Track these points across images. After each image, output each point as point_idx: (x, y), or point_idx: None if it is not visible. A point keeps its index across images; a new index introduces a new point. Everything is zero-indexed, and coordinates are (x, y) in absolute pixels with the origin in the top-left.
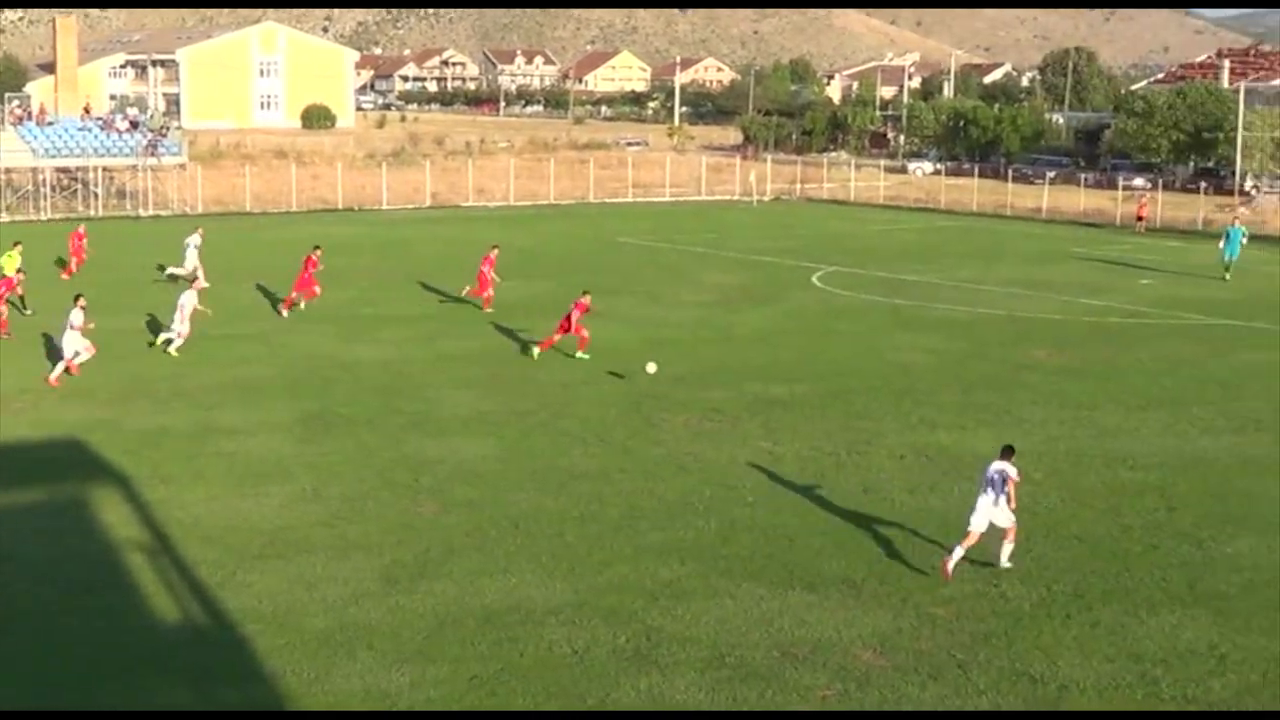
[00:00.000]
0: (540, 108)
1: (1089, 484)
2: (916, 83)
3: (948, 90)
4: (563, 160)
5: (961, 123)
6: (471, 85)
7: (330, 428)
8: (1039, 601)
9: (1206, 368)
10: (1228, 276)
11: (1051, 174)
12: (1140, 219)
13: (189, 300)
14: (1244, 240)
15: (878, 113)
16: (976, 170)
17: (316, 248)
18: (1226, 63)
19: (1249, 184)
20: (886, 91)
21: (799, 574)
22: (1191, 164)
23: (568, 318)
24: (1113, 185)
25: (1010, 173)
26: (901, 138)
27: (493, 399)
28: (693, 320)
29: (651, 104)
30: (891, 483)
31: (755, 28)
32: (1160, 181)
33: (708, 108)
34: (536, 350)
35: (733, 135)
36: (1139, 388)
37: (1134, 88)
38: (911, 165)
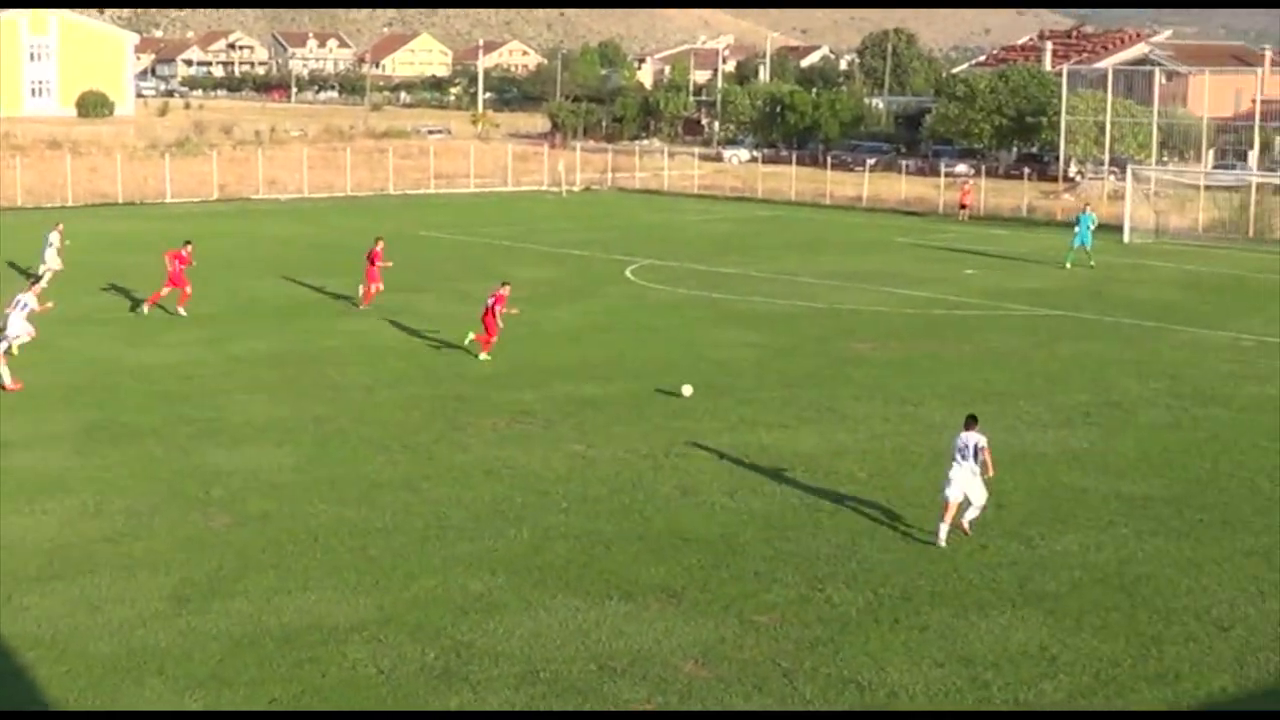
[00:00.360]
0: (335, 94)
1: (915, 482)
2: (731, 66)
3: (764, 74)
4: (360, 150)
5: (778, 108)
6: (261, 70)
7: (114, 438)
8: (866, 606)
9: (1032, 360)
10: (1068, 265)
11: (872, 161)
12: (963, 207)
13: (27, 301)
14: (1092, 227)
15: (691, 98)
16: (794, 157)
17: (187, 243)
18: (1049, 45)
19: (1073, 170)
20: (700, 76)
21: (616, 583)
22: (1015, 149)
23: (489, 311)
24: (935, 172)
25: (829, 160)
26: (716, 124)
27: (288, 404)
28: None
29: (454, 89)
30: (712, 485)
31: (561, 9)
32: (983, 168)
33: (513, 93)
34: (478, 348)
35: (540, 122)
36: (964, 381)
37: (955, 71)
38: (727, 153)
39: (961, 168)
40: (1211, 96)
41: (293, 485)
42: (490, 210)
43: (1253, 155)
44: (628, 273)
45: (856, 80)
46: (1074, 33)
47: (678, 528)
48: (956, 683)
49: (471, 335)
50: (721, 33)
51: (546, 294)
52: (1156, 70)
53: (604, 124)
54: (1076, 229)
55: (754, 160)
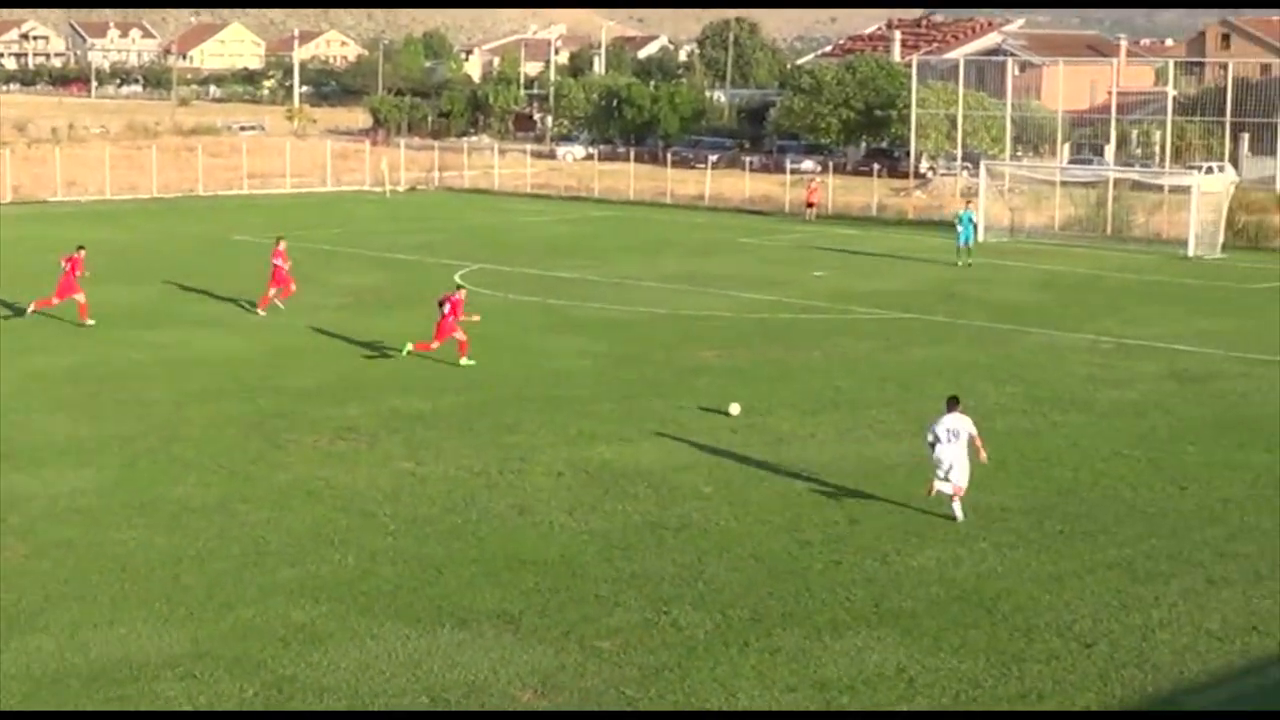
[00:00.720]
0: (139, 88)
1: (764, 497)
2: (564, 58)
3: (599, 66)
4: (166, 148)
5: (615, 102)
6: (57, 62)
7: None
8: (714, 629)
9: (884, 366)
10: (966, 262)
11: (714, 157)
12: (810, 205)
13: None
14: (974, 223)
15: (522, 92)
16: (632, 154)
17: (80, 247)
18: (898, 34)
19: (925, 166)
20: (532, 68)
21: (449, 609)
22: (864, 145)
23: (444, 318)
24: (780, 169)
25: (669, 157)
26: (549, 119)
27: (92, 423)
28: (321, 327)
29: (267, 83)
30: (549, 503)
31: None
32: (831, 164)
33: (332, 87)
34: (409, 347)
35: (361, 118)
36: (814, 389)
37: (800, 62)
38: (561, 150)
39: (808, 164)
40: (1066, 88)
41: (97, 510)
42: (308, 212)
43: (1109, 149)
44: (457, 278)
45: (697, 72)
46: (923, 22)
47: (514, 549)
48: (810, 708)
49: (410, 345)
50: (553, 22)
51: (371, 302)
52: (1009, 61)
53: (429, 119)
54: (959, 227)
55: (590, 158)
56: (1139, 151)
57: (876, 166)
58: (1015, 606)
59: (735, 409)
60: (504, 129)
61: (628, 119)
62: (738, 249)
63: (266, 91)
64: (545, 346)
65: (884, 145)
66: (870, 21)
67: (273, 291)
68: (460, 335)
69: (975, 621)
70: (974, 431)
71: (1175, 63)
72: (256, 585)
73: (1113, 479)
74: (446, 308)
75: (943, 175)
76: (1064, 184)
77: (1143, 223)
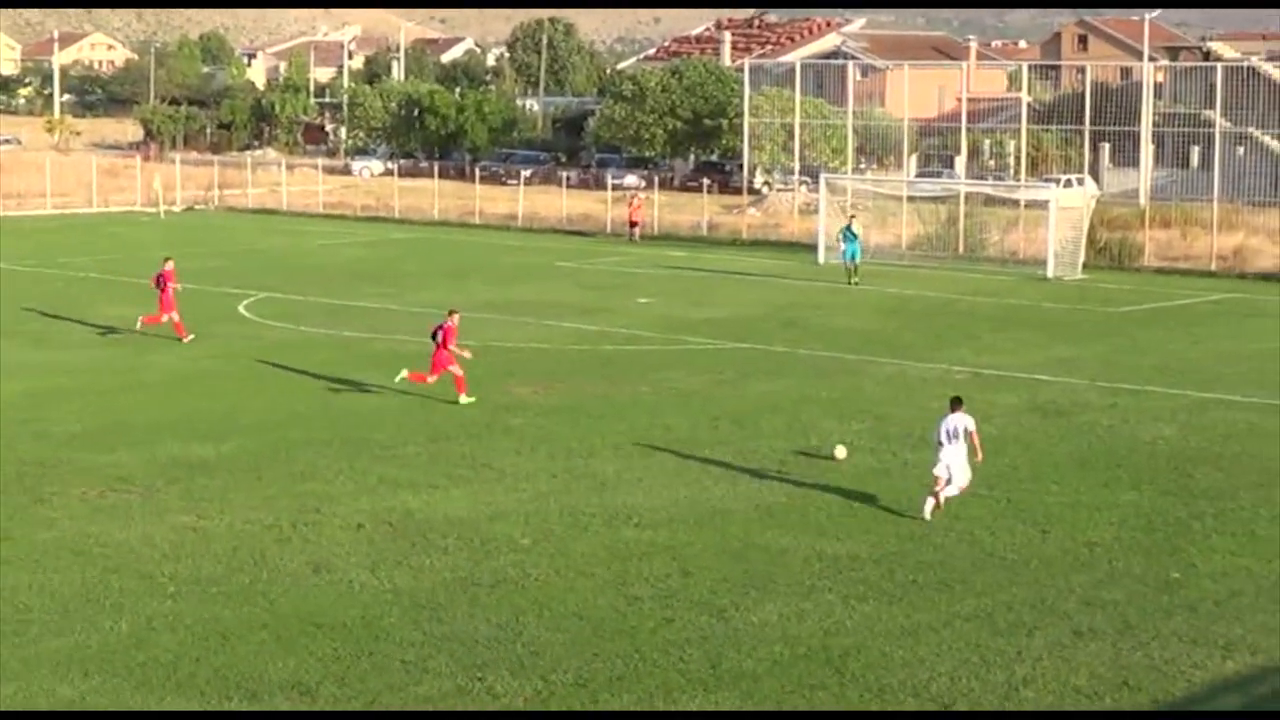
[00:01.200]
0: None
1: (588, 548)
2: (359, 62)
3: (397, 71)
4: None
5: (416, 111)
6: None
7: None
8: (534, 695)
9: (718, 401)
10: (855, 281)
11: (527, 172)
12: (634, 225)
13: None
14: (858, 236)
15: (312, 100)
16: (436, 169)
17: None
18: (728, 36)
19: (759, 180)
20: (322, 73)
21: (237, 680)
22: (692, 157)
23: (438, 349)
24: (601, 184)
25: (478, 172)
26: (343, 131)
27: None
28: (90, 364)
29: (24, 91)
30: (349, 559)
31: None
32: (656, 179)
33: (97, 95)
34: (403, 375)
35: (130, 130)
36: (642, 428)
37: (621, 66)
38: (356, 165)
39: (631, 179)
40: (912, 94)
41: None
42: (72, 236)
43: (960, 161)
44: (242, 308)
45: (507, 78)
46: (755, 22)
47: (309, 611)
48: None
49: (404, 373)
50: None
51: (143, 336)
52: (850, 65)
53: (208, 131)
54: (842, 245)
55: (389, 173)
56: (992, 163)
57: (706, 181)
58: (866, 665)
59: (841, 452)
60: (292, 142)
61: (431, 130)
62: (555, 273)
63: (23, 101)
64: (342, 384)
65: (714, 158)
66: (697, 22)
67: (165, 317)
68: (456, 369)
69: (822, 682)
70: (972, 428)
71: (1029, 66)
72: (18, 658)
73: (969, 522)
74: (439, 337)
75: (779, 191)
76: (911, 199)
77: (997, 241)
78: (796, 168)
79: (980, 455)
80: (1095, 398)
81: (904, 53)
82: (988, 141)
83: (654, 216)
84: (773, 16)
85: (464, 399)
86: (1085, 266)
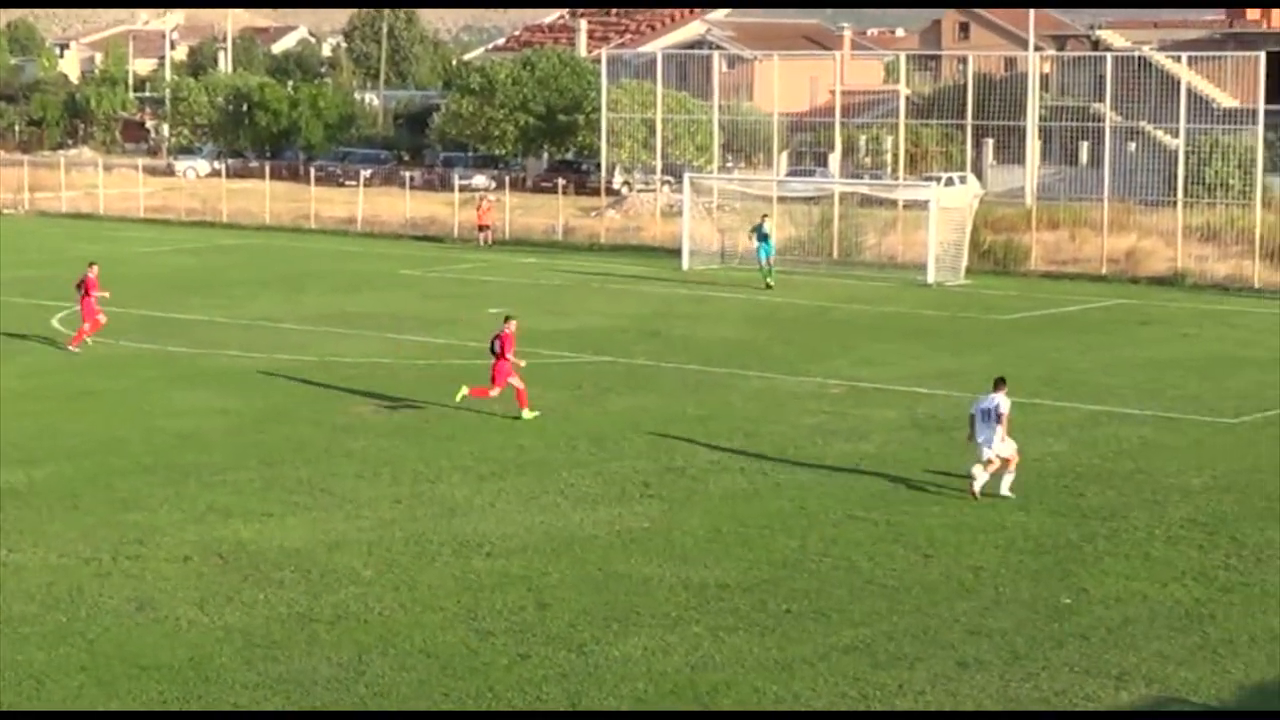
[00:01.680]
0: None
1: (436, 579)
2: (182, 53)
3: (224, 63)
4: None
5: (245, 107)
6: None
7: None
8: None
9: (577, 420)
10: (771, 283)
11: (368, 173)
12: (484, 229)
13: None
14: (770, 237)
15: (132, 95)
16: (268, 170)
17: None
18: (583, 24)
19: (618, 180)
20: (142, 65)
21: None
22: (546, 156)
23: (499, 360)
24: (447, 185)
25: (313, 172)
26: (166, 128)
27: None
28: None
29: None
30: (175, 595)
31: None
32: (508, 179)
33: None
34: (464, 392)
35: None
36: (494, 450)
37: (468, 57)
38: (181, 165)
39: (480, 179)
40: (782, 87)
41: None
42: None
43: (834, 158)
44: (54, 322)
45: (344, 70)
46: (613, 10)
47: (133, 653)
48: None
49: (465, 390)
50: (167, 10)
51: None
52: (716, 55)
53: (17, 129)
54: (757, 243)
55: (216, 174)
56: (868, 160)
57: (562, 182)
58: (737, 701)
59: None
60: (110, 140)
61: (261, 127)
62: (398, 282)
63: None
64: (167, 404)
65: (570, 156)
66: (550, 9)
67: (87, 326)
68: (517, 381)
69: None
70: (1006, 410)
71: (907, 56)
72: None
73: (846, 546)
74: (498, 347)
75: (640, 191)
76: (782, 200)
77: (874, 244)
78: (658, 166)
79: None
80: None
81: (773, 42)
82: (864, 137)
83: (505, 220)
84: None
85: (526, 414)
86: (968, 271)
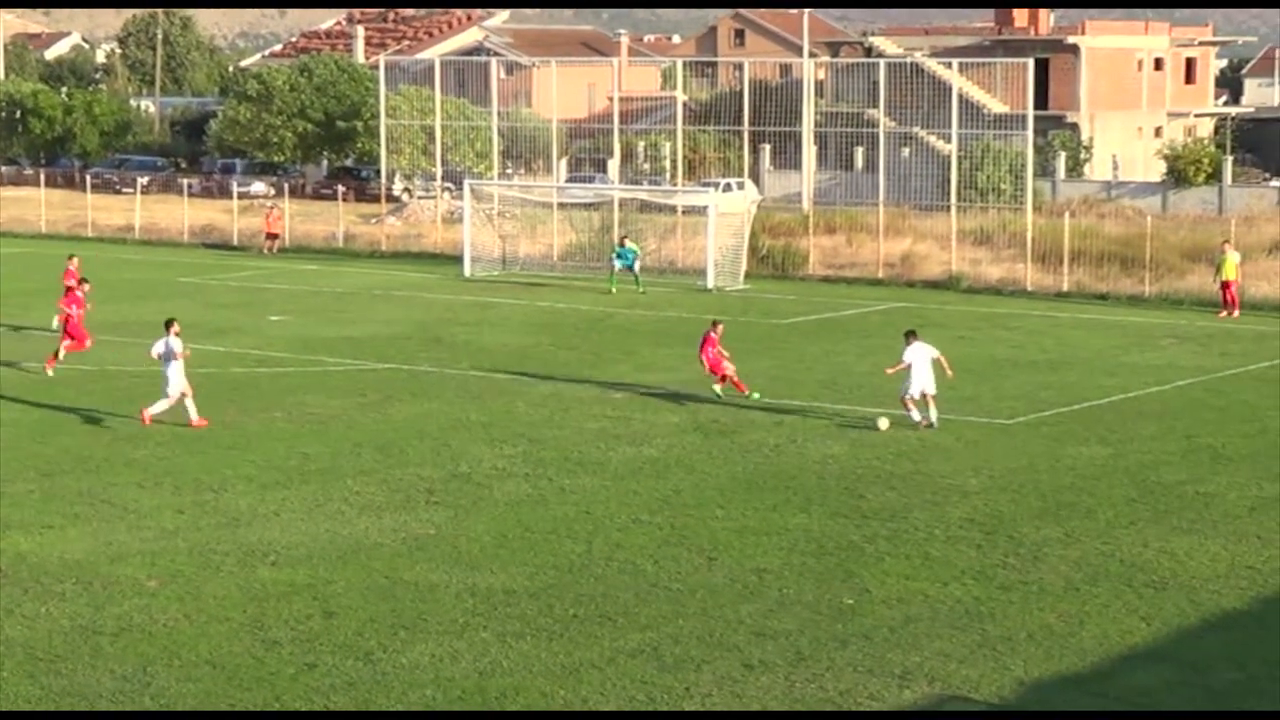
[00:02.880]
0: None
1: (221, 589)
2: None
3: None
4: None
5: (19, 113)
6: None
7: None
8: None
9: (359, 427)
10: (643, 290)
11: (145, 180)
12: (273, 237)
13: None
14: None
15: None
16: (43, 177)
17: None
18: (360, 30)
19: (398, 187)
20: None
21: None
22: (325, 162)
23: (717, 359)
24: (226, 193)
25: (89, 179)
26: None
27: None
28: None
29: None
30: None
31: None
32: (287, 187)
33: None
34: (755, 395)
35: None
36: (277, 458)
37: (245, 64)
38: None
39: (259, 186)
40: (561, 93)
41: None
42: None
43: (612, 164)
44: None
45: (120, 76)
46: (390, 15)
47: None
48: None
49: (717, 387)
50: None
51: None
52: (494, 61)
53: None
54: (617, 264)
55: None
56: (647, 167)
57: (342, 189)
58: (525, 706)
59: (884, 424)
60: None
61: (36, 134)
62: (178, 290)
63: None
64: None
65: (349, 163)
66: (327, 15)
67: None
68: (730, 368)
69: None
70: (937, 353)
71: (684, 63)
72: None
73: (631, 551)
74: (711, 350)
75: (420, 198)
76: (562, 206)
77: (654, 250)
78: (439, 173)
79: (950, 372)
80: (761, 416)
81: (551, 48)
82: (642, 143)
83: (286, 227)
84: (410, 10)
85: (754, 395)
86: (748, 276)
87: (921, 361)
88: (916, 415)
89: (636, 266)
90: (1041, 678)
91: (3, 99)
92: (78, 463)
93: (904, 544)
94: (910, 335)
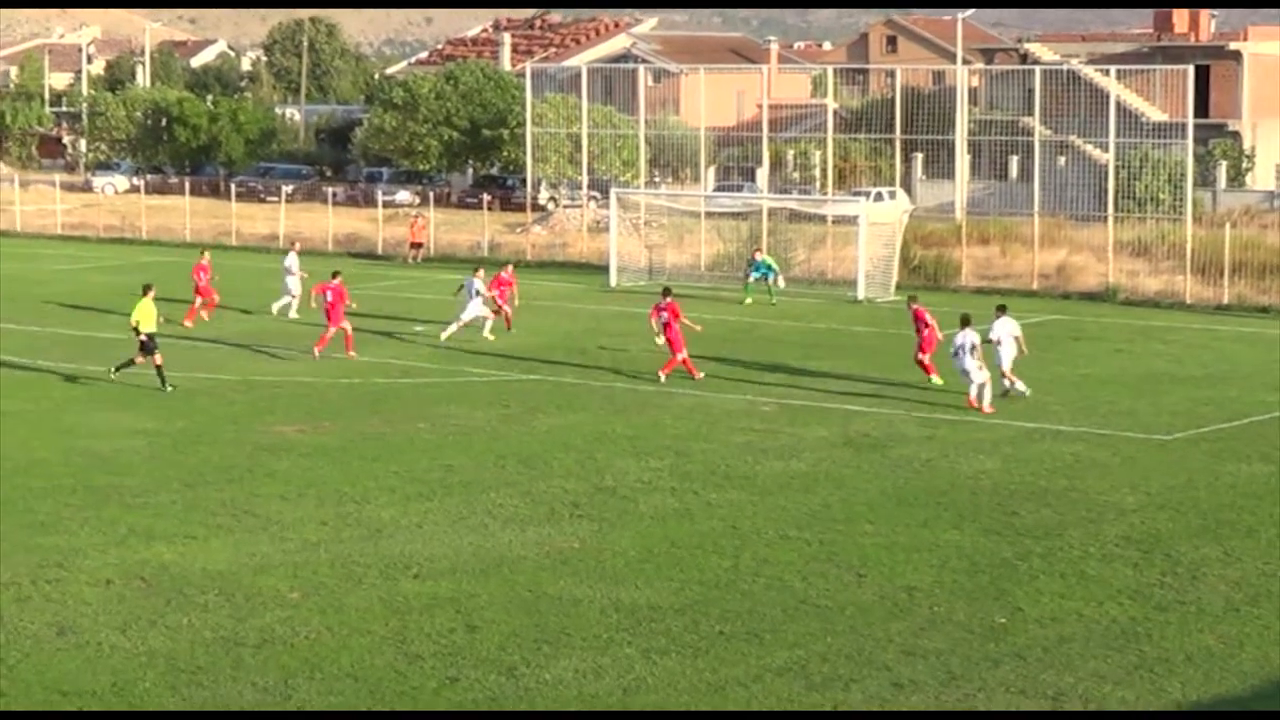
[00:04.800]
0: None
1: (363, 602)
2: (99, 67)
3: (143, 77)
4: None
5: (164, 122)
6: None
7: None
8: None
9: (504, 438)
10: (774, 302)
11: (289, 188)
12: (417, 246)
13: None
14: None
15: (48, 110)
16: (188, 185)
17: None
18: (507, 37)
19: (544, 196)
20: (59, 79)
21: None
22: (470, 171)
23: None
24: (371, 201)
25: (234, 188)
26: (83, 143)
27: None
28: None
29: None
30: (97, 619)
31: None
32: (432, 195)
33: None
34: (936, 381)
35: None
36: (420, 470)
37: (390, 71)
38: (99, 181)
39: (404, 195)
40: (709, 101)
41: None
42: None
43: (761, 173)
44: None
45: (265, 84)
46: (537, 22)
47: (54, 679)
48: None
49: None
50: (84, 23)
51: None
52: (641, 69)
53: None
54: (752, 276)
55: (135, 190)
56: (796, 176)
57: (487, 197)
58: None
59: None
60: (26, 156)
61: (181, 142)
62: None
63: None
64: (86, 425)
65: (495, 172)
66: (473, 22)
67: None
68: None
69: None
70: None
71: (835, 70)
72: None
73: (779, 567)
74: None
75: (566, 207)
76: (710, 215)
77: (804, 260)
78: (585, 182)
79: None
80: (912, 429)
81: (699, 56)
82: (791, 152)
83: (431, 236)
84: (556, 16)
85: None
86: (899, 287)
87: (1008, 337)
88: (1021, 385)
89: (770, 279)
90: (1200, 701)
91: (149, 107)
92: (220, 473)
93: (1058, 562)
94: (1000, 310)
